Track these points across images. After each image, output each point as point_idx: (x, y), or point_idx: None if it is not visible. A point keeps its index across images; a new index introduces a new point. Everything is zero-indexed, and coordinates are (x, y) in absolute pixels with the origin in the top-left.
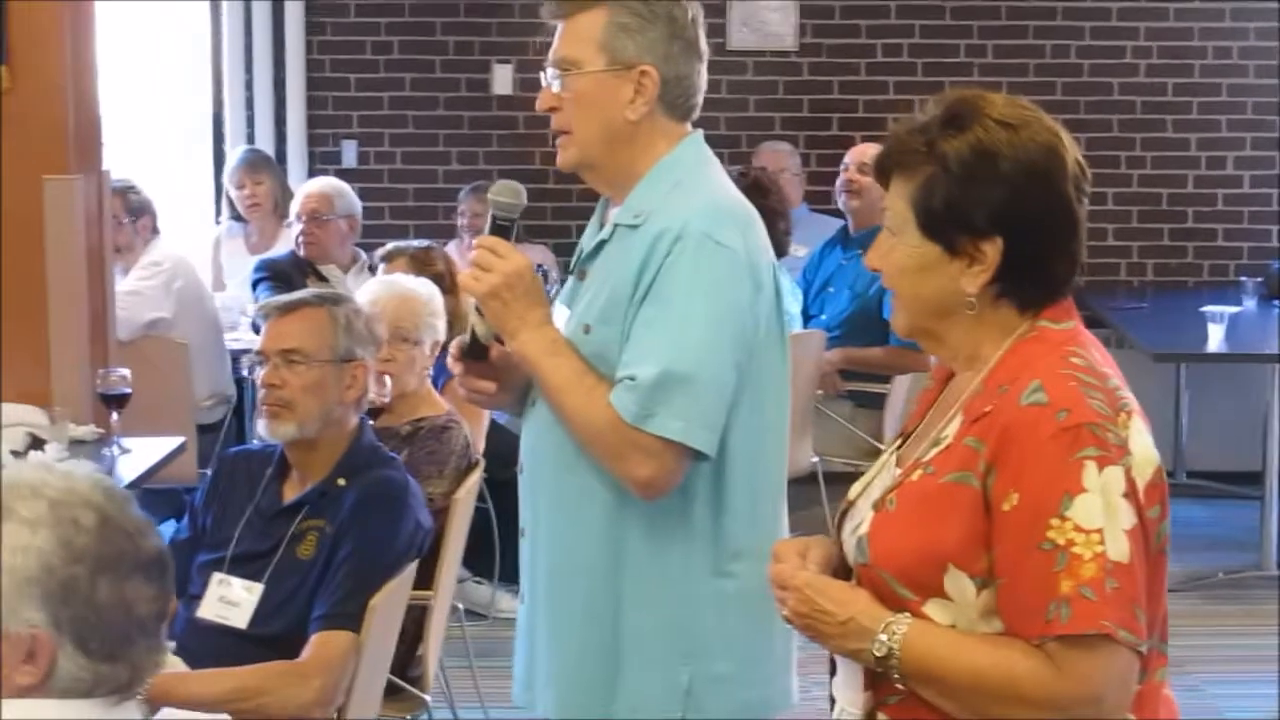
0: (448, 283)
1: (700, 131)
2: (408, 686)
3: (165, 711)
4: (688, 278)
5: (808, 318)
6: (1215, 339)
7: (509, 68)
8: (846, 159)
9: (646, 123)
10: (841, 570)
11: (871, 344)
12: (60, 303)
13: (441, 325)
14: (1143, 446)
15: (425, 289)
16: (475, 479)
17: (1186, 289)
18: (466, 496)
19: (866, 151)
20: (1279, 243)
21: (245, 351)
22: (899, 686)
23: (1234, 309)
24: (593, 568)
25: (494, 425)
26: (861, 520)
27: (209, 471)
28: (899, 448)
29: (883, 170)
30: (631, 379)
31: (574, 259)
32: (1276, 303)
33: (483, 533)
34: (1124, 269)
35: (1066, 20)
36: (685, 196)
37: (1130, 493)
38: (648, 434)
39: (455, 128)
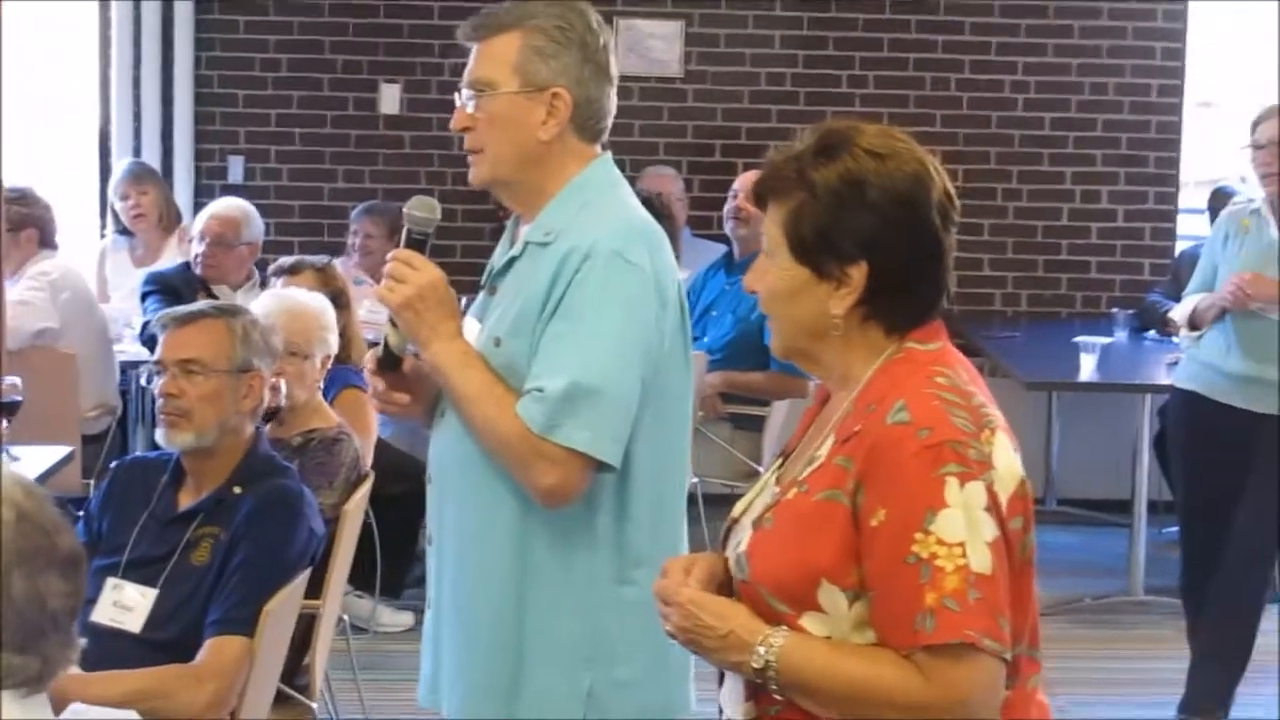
0: (344, 299)
1: (609, 153)
2: (295, 694)
3: (73, 708)
4: (596, 294)
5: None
6: (1087, 368)
7: (396, 87)
8: (735, 186)
9: (558, 144)
10: (728, 585)
11: (752, 368)
12: None
13: (333, 339)
14: (1006, 461)
15: (317, 303)
16: (364, 491)
17: (1060, 320)
18: (355, 509)
19: (751, 179)
20: (1151, 276)
21: (132, 363)
22: (778, 697)
23: (1106, 340)
24: (499, 574)
25: (378, 442)
26: (742, 538)
27: (96, 482)
28: (779, 467)
29: (760, 196)
30: (540, 390)
31: (485, 274)
32: (1147, 335)
33: (364, 548)
34: (999, 299)
35: (946, 53)
36: (595, 216)
37: (992, 506)
38: (554, 444)
39: (342, 145)
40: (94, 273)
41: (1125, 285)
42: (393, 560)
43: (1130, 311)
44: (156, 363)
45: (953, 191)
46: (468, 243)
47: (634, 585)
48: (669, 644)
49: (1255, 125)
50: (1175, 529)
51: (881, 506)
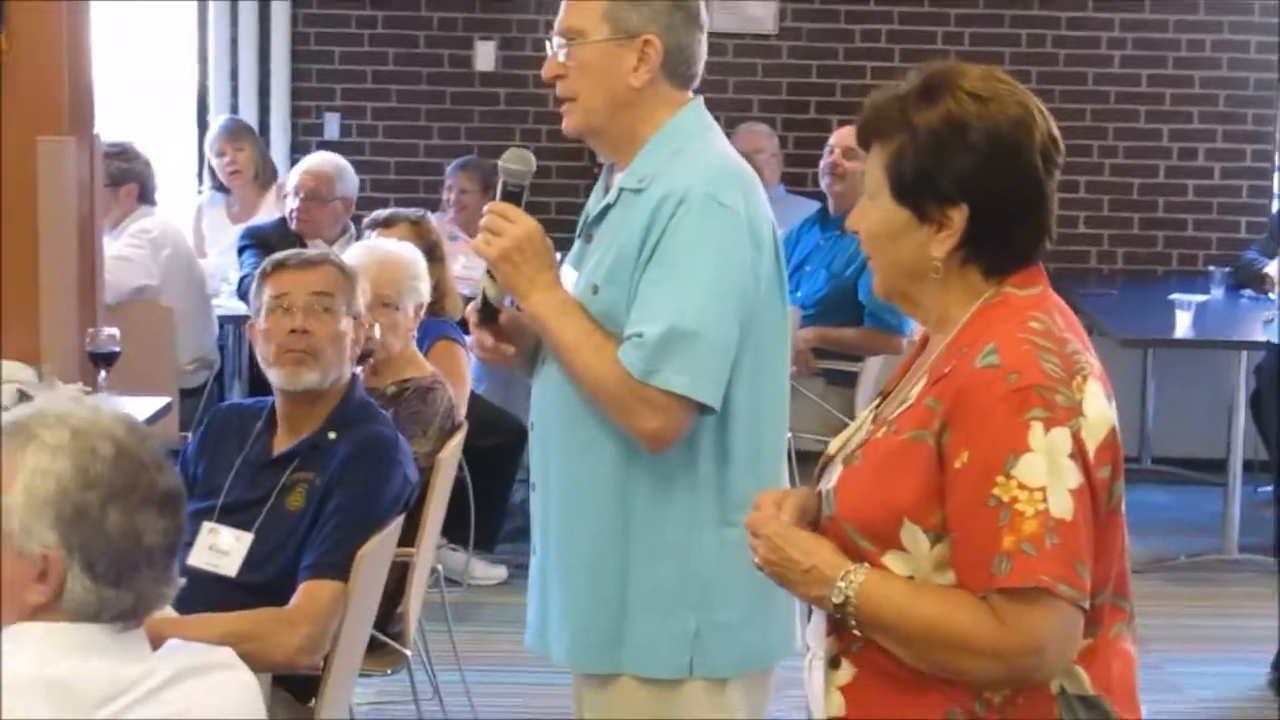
0: (438, 252)
1: (700, 98)
2: (390, 641)
3: (170, 644)
4: (691, 238)
5: None
6: (1182, 326)
7: (491, 45)
8: (831, 141)
9: (649, 90)
10: (819, 521)
11: (846, 324)
12: (51, 262)
13: (424, 288)
14: (1097, 409)
15: (407, 253)
16: (458, 440)
17: (1155, 278)
18: (449, 457)
19: (851, 135)
20: (1247, 234)
21: (229, 318)
22: (858, 634)
23: (1201, 297)
24: (601, 520)
25: (472, 396)
26: (834, 474)
27: (191, 432)
28: (877, 405)
29: (863, 137)
30: (639, 336)
31: (580, 223)
32: (1243, 293)
33: (458, 501)
34: (1094, 256)
35: (1043, 9)
36: (688, 161)
37: (1077, 453)
38: (654, 388)
39: (437, 103)
40: (191, 228)
41: (1221, 243)
42: (486, 513)
43: (1226, 269)
44: (271, 299)
45: (1057, 135)
46: (562, 200)
47: (736, 527)
48: (773, 585)
49: None
50: (1270, 488)
51: (966, 448)
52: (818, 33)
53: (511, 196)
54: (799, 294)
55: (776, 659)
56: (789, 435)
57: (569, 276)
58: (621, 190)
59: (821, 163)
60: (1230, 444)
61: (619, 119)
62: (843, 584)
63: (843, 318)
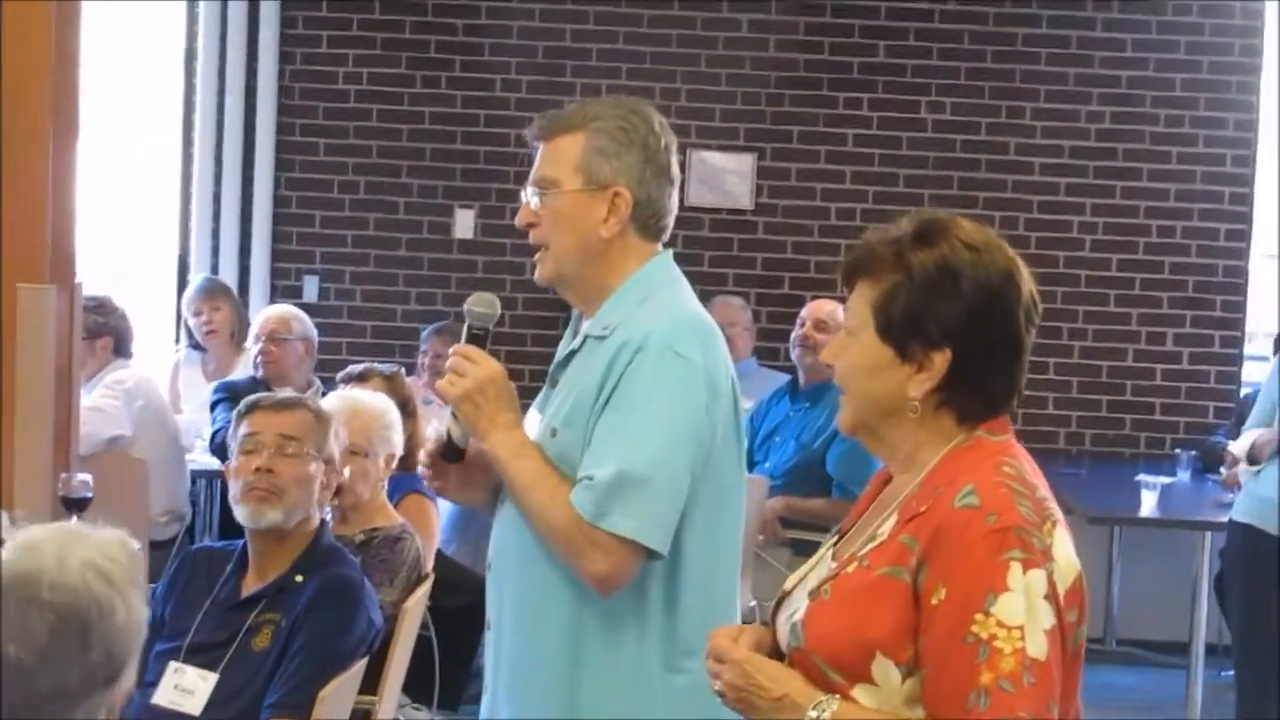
0: (411, 408)
1: (670, 251)
2: None
3: None
4: (647, 385)
5: (752, 464)
6: (1148, 505)
7: (471, 212)
8: (803, 313)
9: (619, 240)
10: (773, 657)
11: (813, 494)
12: (27, 408)
13: (396, 439)
14: (1065, 554)
15: (379, 403)
16: (424, 590)
17: (1123, 459)
18: (415, 606)
19: (823, 308)
20: (1215, 419)
21: (201, 472)
22: None
23: (1168, 479)
24: (552, 659)
25: (440, 556)
26: (797, 608)
27: (170, 566)
28: (835, 544)
29: (850, 274)
30: (590, 479)
31: (550, 369)
32: (1210, 477)
33: (423, 660)
34: (1063, 438)
35: (1015, 193)
36: (651, 311)
37: (1051, 595)
38: (603, 531)
39: (416, 269)
40: (167, 384)
41: (1189, 427)
42: (451, 673)
43: (1193, 452)
44: (244, 438)
45: (1037, 296)
46: (537, 368)
47: (684, 673)
48: None
49: None
50: (1232, 672)
51: (944, 585)
52: (793, 209)
53: (476, 339)
54: (768, 464)
55: None
56: (753, 603)
57: (533, 420)
58: (586, 337)
59: (793, 334)
60: (1193, 626)
61: (588, 267)
62: (814, 713)
63: (810, 488)
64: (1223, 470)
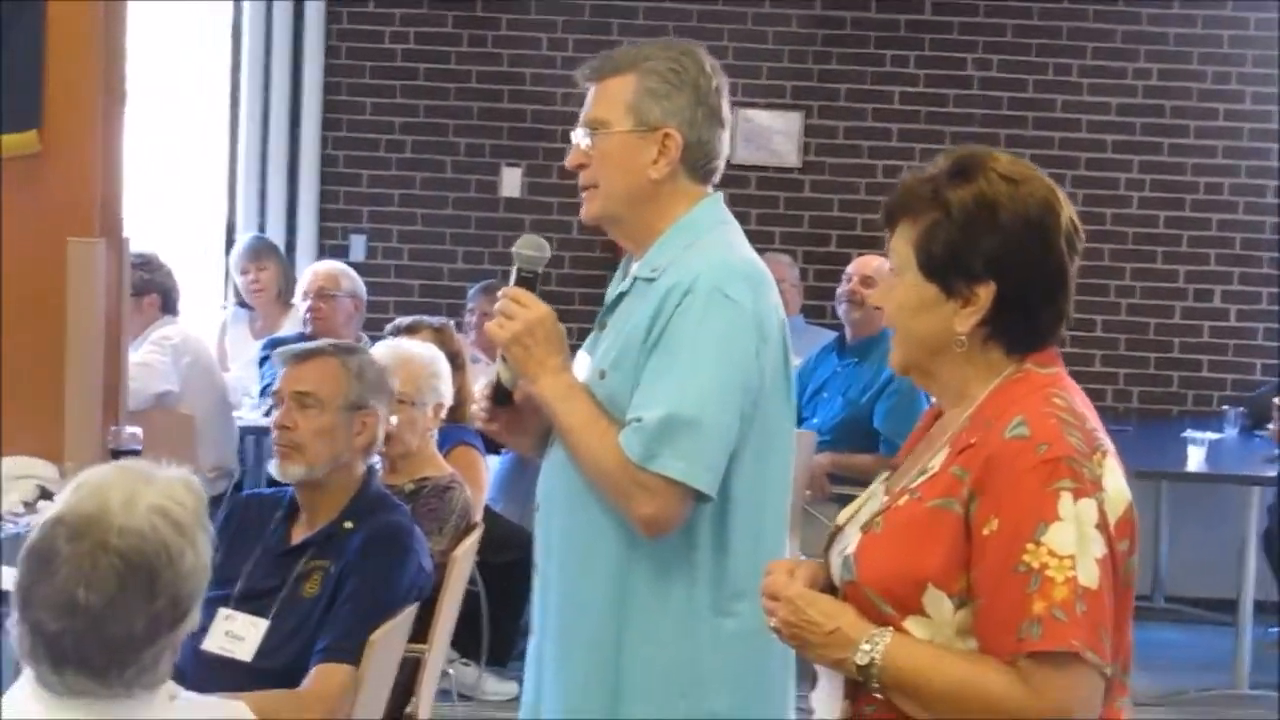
0: (460, 360)
1: (720, 193)
2: None
3: (187, 694)
4: (695, 328)
5: (800, 421)
6: (1195, 461)
7: (518, 171)
8: (850, 269)
9: (668, 183)
10: (827, 593)
11: (860, 450)
12: (77, 361)
13: (444, 388)
14: (1116, 484)
15: (427, 352)
16: (473, 540)
17: (1170, 417)
18: (464, 555)
19: (869, 264)
20: (1262, 376)
21: (250, 429)
22: (877, 696)
23: (1215, 435)
24: (599, 603)
25: (489, 512)
26: (849, 542)
27: (220, 513)
28: (887, 479)
29: (890, 215)
30: (638, 421)
31: (600, 311)
32: (1257, 434)
33: (472, 616)
34: (1110, 395)
35: (1062, 150)
36: (700, 253)
37: (1102, 524)
38: (651, 473)
39: (463, 227)
40: (215, 343)
41: (1236, 385)
42: (499, 629)
43: (1240, 409)
44: (274, 394)
45: (1078, 223)
46: (584, 325)
47: (733, 617)
48: (767, 676)
49: None
50: None
51: (995, 515)
52: (840, 167)
53: (525, 282)
54: (815, 420)
55: None
56: (803, 558)
57: (582, 362)
58: (636, 279)
59: (839, 290)
60: (1241, 584)
61: (637, 209)
62: (867, 646)
63: (858, 444)
64: (1271, 426)
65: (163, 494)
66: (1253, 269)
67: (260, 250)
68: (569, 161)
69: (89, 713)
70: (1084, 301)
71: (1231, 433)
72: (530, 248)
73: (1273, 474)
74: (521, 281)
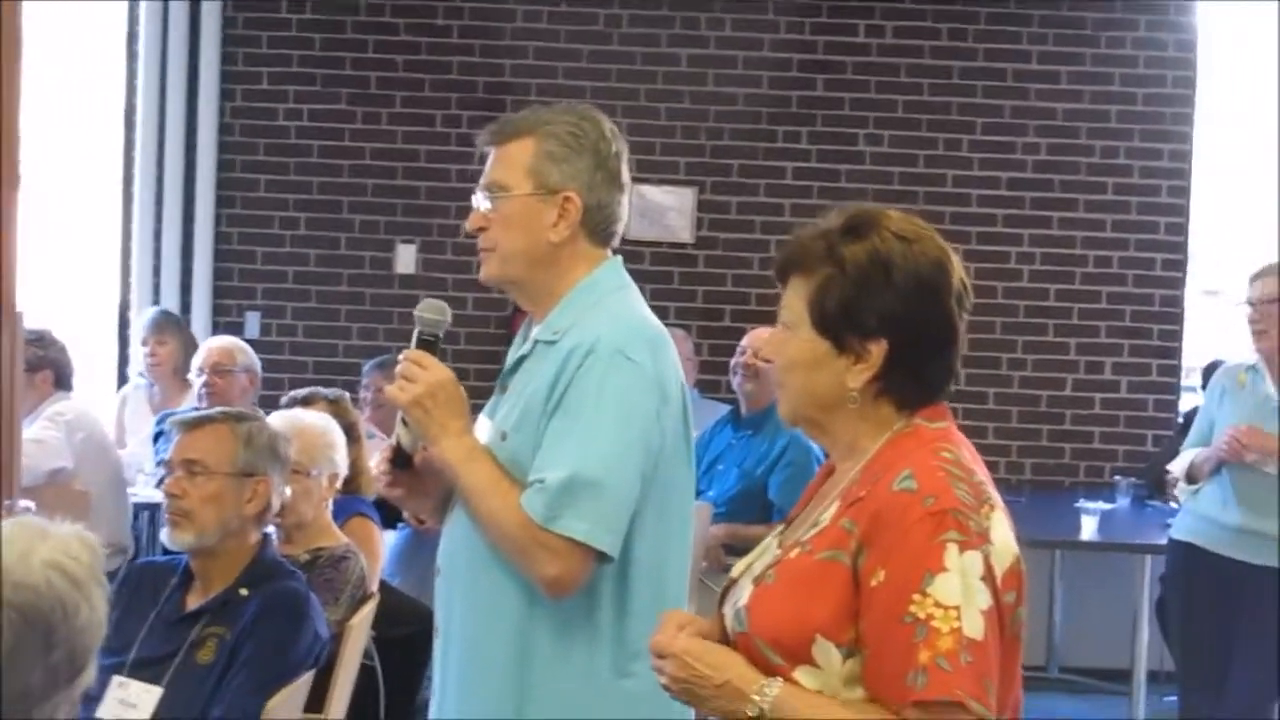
0: (355, 432)
1: (619, 258)
2: None
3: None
4: (597, 390)
5: (696, 493)
6: (1088, 530)
7: (413, 248)
8: (744, 343)
9: (568, 245)
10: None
11: (756, 521)
12: None
13: (339, 458)
14: (1003, 537)
15: (321, 422)
16: (369, 609)
17: (1063, 488)
18: (360, 624)
19: (762, 336)
20: (1153, 447)
21: (144, 505)
22: None
23: (1108, 505)
24: (501, 663)
25: (385, 586)
26: (742, 594)
27: (115, 581)
28: (781, 533)
29: (783, 270)
30: (541, 482)
31: (500, 374)
32: (1149, 503)
33: (368, 690)
34: (1003, 467)
35: (953, 225)
36: (601, 316)
37: (988, 576)
38: (554, 534)
39: (357, 304)
40: (114, 417)
41: (1128, 455)
42: (395, 703)
43: (1132, 479)
44: (164, 462)
45: (968, 282)
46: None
47: (633, 678)
48: None
49: (1251, 282)
50: (1175, 697)
51: (882, 567)
52: (733, 243)
53: (427, 345)
54: (711, 492)
55: None
56: None
57: (483, 426)
58: (536, 342)
59: (733, 362)
60: (1135, 653)
61: (536, 272)
62: (757, 697)
63: (753, 515)
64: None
65: (58, 549)
66: (1143, 340)
67: (162, 324)
68: (469, 224)
69: None
70: (976, 374)
71: (1124, 502)
72: (432, 311)
73: (1163, 541)
74: (423, 344)
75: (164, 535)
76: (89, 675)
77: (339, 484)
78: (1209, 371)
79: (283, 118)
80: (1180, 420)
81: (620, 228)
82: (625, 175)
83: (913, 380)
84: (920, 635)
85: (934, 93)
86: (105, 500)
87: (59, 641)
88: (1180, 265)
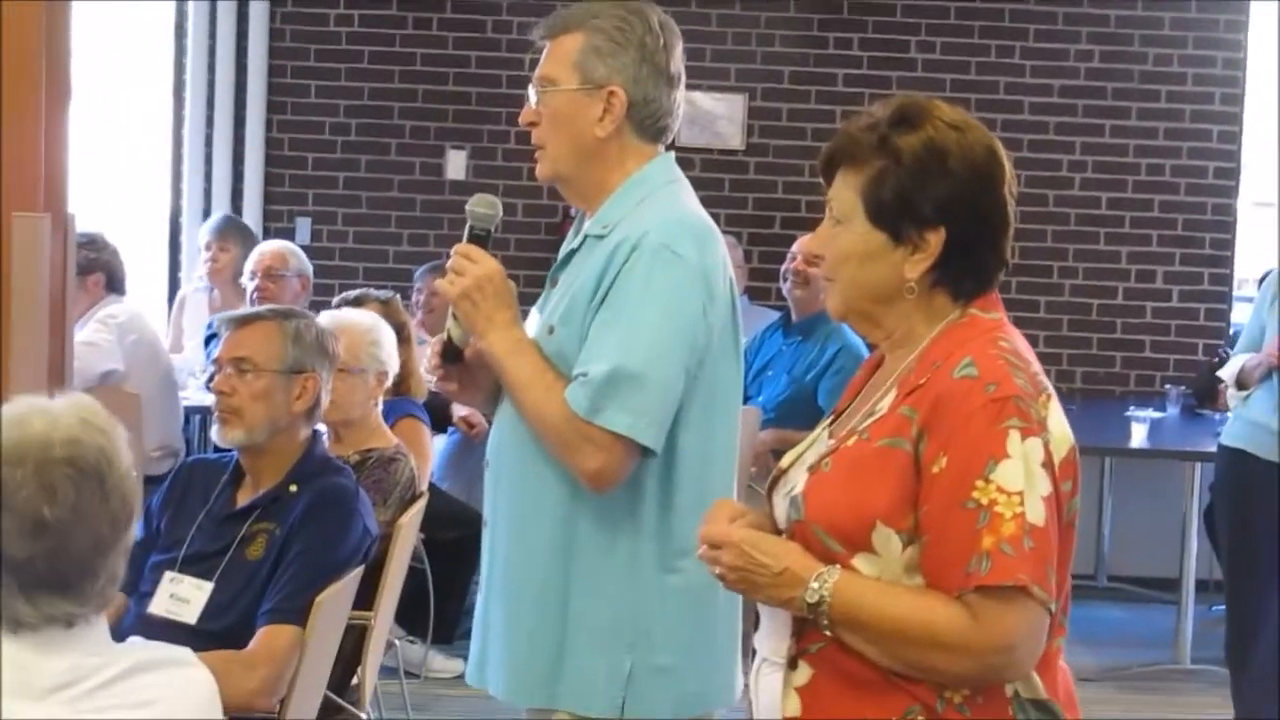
0: (405, 333)
1: (672, 153)
2: (345, 704)
3: (133, 638)
4: (641, 284)
5: (746, 398)
6: (1138, 438)
7: (463, 153)
8: (794, 248)
9: (615, 141)
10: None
11: (805, 427)
12: (22, 337)
13: (386, 357)
14: (1059, 426)
15: (367, 320)
16: (419, 509)
17: (1113, 397)
18: (409, 524)
19: (812, 243)
20: (1204, 356)
21: (195, 409)
22: (825, 634)
23: (1158, 414)
24: (546, 557)
25: (434, 489)
26: (796, 483)
27: (162, 485)
28: (831, 424)
29: (831, 163)
30: (584, 375)
31: (552, 268)
32: (1200, 412)
33: (418, 594)
34: (1054, 375)
35: (1005, 132)
36: (649, 210)
37: (1048, 464)
38: (597, 427)
39: (408, 210)
40: (171, 319)
41: (1179, 365)
42: (445, 606)
43: (1182, 388)
44: (214, 360)
45: (1013, 172)
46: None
47: (678, 573)
48: (712, 632)
49: None
50: (1223, 606)
51: (944, 453)
52: (784, 149)
53: (478, 239)
54: (760, 398)
55: (714, 706)
56: None
57: (533, 321)
58: (586, 236)
59: (783, 268)
60: (1184, 560)
61: (584, 168)
62: (816, 584)
63: (803, 421)
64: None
65: (75, 407)
66: (1194, 250)
67: (226, 231)
68: (521, 119)
69: (56, 650)
70: (1027, 283)
71: (1174, 412)
72: (483, 205)
73: (1212, 449)
74: (473, 239)
75: (214, 433)
76: (135, 527)
77: (388, 382)
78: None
79: (333, 23)
80: (1231, 332)
81: (672, 122)
82: (676, 69)
83: (969, 268)
84: (984, 521)
85: None
86: (156, 403)
87: (112, 489)
88: (1233, 174)
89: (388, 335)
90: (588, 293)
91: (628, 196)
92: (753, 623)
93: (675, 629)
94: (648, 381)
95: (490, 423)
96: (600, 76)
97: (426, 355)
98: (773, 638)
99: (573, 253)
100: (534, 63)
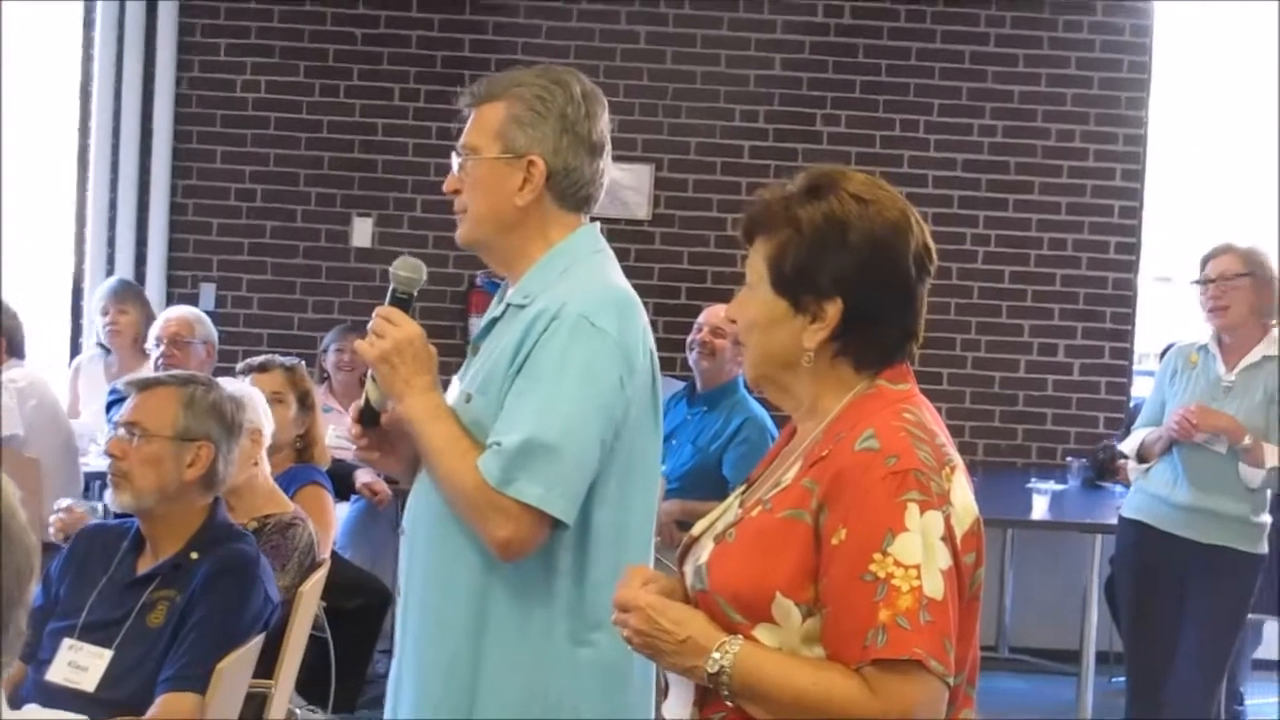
0: (310, 400)
1: (596, 224)
2: None
3: (28, 707)
4: (559, 355)
5: None
6: (1039, 510)
7: (369, 221)
8: (701, 319)
9: (536, 210)
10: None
11: (709, 498)
12: None
13: (255, 417)
14: (963, 498)
15: (230, 385)
16: (320, 576)
17: (1015, 469)
18: (310, 590)
19: (719, 314)
20: (1105, 429)
21: (96, 475)
22: (727, 704)
23: (1059, 486)
24: (458, 624)
25: (338, 558)
26: (702, 552)
27: (61, 551)
28: (742, 493)
29: (747, 231)
30: (498, 445)
31: (474, 336)
32: (1101, 484)
33: (319, 663)
34: (957, 447)
35: (916, 206)
36: (571, 281)
37: (948, 537)
38: (508, 497)
39: (314, 276)
40: (68, 385)
41: (1080, 438)
42: (347, 675)
43: (1083, 460)
44: (113, 424)
45: (931, 245)
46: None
47: (591, 647)
48: (624, 707)
49: (1204, 262)
50: (1123, 678)
51: (843, 526)
52: (690, 220)
53: (400, 303)
54: (664, 467)
55: None
56: None
57: (453, 389)
58: (508, 305)
59: (689, 338)
60: (1084, 633)
61: (506, 236)
62: (718, 654)
63: (707, 492)
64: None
65: None
66: (1096, 324)
67: (123, 293)
68: (445, 187)
69: None
70: (930, 355)
71: (1075, 484)
72: (406, 269)
73: (1113, 521)
74: (395, 302)
75: (107, 496)
76: (35, 587)
77: (265, 441)
78: (1164, 354)
79: (240, 89)
80: (1131, 405)
81: (595, 191)
82: (600, 138)
83: (869, 341)
84: (880, 594)
85: (891, 74)
86: (57, 468)
87: (15, 540)
88: (1133, 249)
89: (253, 395)
90: (506, 361)
91: (550, 267)
92: (663, 691)
93: (587, 702)
94: (561, 453)
95: (403, 492)
96: (520, 146)
97: (331, 425)
98: (678, 705)
99: (494, 321)
100: (441, 131)
